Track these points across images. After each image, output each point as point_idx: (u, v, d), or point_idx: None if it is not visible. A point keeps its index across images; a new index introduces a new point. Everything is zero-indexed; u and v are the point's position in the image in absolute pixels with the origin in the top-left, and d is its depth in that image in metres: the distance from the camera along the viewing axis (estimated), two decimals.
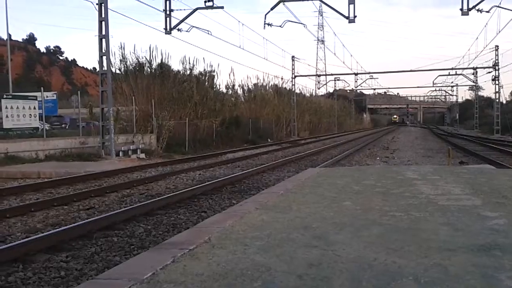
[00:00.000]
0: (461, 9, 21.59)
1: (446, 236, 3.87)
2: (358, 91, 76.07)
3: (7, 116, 17.70)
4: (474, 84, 56.07)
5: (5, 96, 18.54)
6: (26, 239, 6.08)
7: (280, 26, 26.90)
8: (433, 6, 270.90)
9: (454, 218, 4.57)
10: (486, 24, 35.15)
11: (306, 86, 73.11)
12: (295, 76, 47.18)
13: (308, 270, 3.03)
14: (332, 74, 61.13)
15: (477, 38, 70.50)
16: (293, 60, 46.66)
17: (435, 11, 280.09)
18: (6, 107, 17.71)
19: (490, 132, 45.57)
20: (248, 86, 41.55)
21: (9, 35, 40.04)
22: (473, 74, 51.10)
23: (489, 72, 46.72)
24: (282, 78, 48.03)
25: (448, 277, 2.86)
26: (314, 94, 64.05)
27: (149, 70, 27.95)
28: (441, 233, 3.98)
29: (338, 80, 62.25)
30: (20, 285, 4.67)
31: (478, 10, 21.91)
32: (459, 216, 4.66)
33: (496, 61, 44.94)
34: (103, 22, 18.89)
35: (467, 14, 21.48)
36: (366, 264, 3.14)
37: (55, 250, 5.79)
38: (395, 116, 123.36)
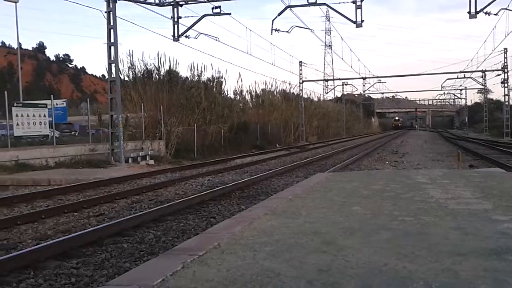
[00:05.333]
0: (469, 12, 21.46)
1: (456, 241, 3.84)
2: (366, 95, 76.06)
3: (17, 124, 17.85)
4: (483, 87, 55.68)
5: (15, 104, 18.69)
6: (37, 246, 6.13)
7: (287, 31, 26.93)
8: (437, 11, 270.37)
9: (465, 222, 4.54)
10: (495, 27, 34.99)
11: (314, 91, 73.07)
12: (303, 81, 47.21)
13: (318, 276, 3.02)
14: (340, 79, 60.94)
15: (485, 41, 70.13)
16: (300, 65, 46.71)
17: (440, 16, 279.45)
18: (17, 115, 17.86)
19: (500, 135, 45.22)
20: (256, 91, 41.59)
21: (19, 44, 40.40)
22: (481, 77, 50.71)
23: (498, 75, 46.52)
24: (289, 83, 48.17)
25: (459, 282, 2.84)
26: (322, 98, 63.98)
27: (157, 77, 28.11)
28: (452, 238, 3.95)
29: (346, 84, 62.16)
30: None
31: (486, 13, 21.78)
32: (470, 220, 4.63)
33: (505, 64, 44.76)
34: (112, 30, 19.04)
35: (475, 17, 21.35)
36: (376, 269, 3.13)
37: (66, 256, 5.83)
38: (396, 118, 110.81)
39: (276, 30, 25.96)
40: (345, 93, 68.50)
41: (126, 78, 27.35)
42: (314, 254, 3.53)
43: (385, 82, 68.40)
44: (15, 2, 29.91)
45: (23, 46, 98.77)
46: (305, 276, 3.02)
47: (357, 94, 76.48)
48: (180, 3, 21.45)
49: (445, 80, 56.79)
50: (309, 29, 30.43)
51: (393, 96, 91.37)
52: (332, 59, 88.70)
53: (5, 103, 17.28)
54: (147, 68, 27.81)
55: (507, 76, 45.07)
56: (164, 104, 24.56)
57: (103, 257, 5.86)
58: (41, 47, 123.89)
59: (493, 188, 6.93)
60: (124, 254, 5.98)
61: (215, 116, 29.05)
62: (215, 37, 24.43)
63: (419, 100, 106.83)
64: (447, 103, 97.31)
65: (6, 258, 5.48)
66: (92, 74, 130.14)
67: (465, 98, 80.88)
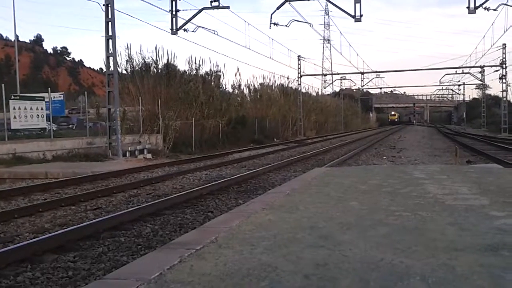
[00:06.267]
0: (468, 7, 21.47)
1: (453, 236, 3.86)
2: (365, 90, 75.90)
3: (15, 117, 17.81)
4: (481, 82, 55.77)
5: (12, 97, 18.65)
6: (34, 239, 6.13)
7: (286, 25, 26.93)
8: (436, 5, 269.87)
9: (461, 218, 4.55)
10: (494, 22, 34.93)
11: (312, 85, 72.83)
12: (301, 76, 47.16)
13: (314, 270, 3.03)
14: (338, 73, 60.99)
15: (484, 36, 70.22)
16: (299, 60, 46.65)
17: (439, 11, 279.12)
18: (14, 108, 17.82)
19: (498, 131, 45.30)
20: (254, 85, 41.56)
21: (17, 36, 40.29)
22: (480, 72, 50.83)
23: (497, 71, 46.58)
24: (288, 78, 48.05)
25: (455, 277, 2.86)
26: (320, 93, 63.95)
27: (155, 70, 28.06)
28: (448, 233, 3.97)
29: (344, 79, 62.12)
30: (29, 285, 4.71)
31: (485, 8, 21.78)
32: (466, 216, 4.64)
33: (504, 59, 44.76)
34: (110, 23, 18.97)
35: (474, 12, 21.35)
36: (373, 264, 3.14)
37: (63, 250, 5.83)
38: (393, 113, 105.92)
39: (275, 24, 25.97)
40: (344, 88, 68.53)
41: (124, 72, 27.32)
42: (311, 249, 3.54)
43: (384, 77, 68.16)
44: None
45: (21, 39, 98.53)
46: (302, 270, 3.03)
47: (356, 89, 76.44)
48: None
49: (444, 76, 57.05)
50: (308, 23, 30.47)
51: (391, 91, 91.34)
52: (330, 54, 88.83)
53: (2, 96, 17.23)
54: (145, 61, 27.79)
55: (506, 71, 45.15)
56: (162, 97, 24.51)
57: (100, 250, 5.86)
58: (38, 40, 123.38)
59: (490, 184, 6.95)
60: (122, 248, 5.98)
61: (213, 110, 29.02)
62: (214, 30, 24.44)
63: (418, 95, 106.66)
64: (445, 98, 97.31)
65: (4, 251, 5.48)
66: (90, 67, 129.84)
67: (463, 94, 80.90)
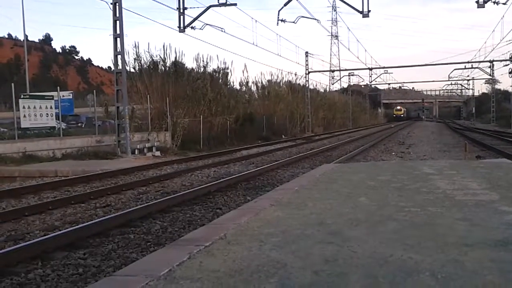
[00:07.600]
0: (477, 2, 21.27)
1: (463, 232, 3.84)
2: (373, 86, 75.67)
3: (24, 116, 17.94)
4: (491, 77, 55.28)
5: (22, 96, 18.79)
6: (45, 237, 6.18)
7: (293, 22, 26.91)
8: (444, 0, 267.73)
9: (471, 213, 4.52)
10: (503, 16, 34.61)
11: (320, 81, 72.98)
12: (309, 72, 47.03)
13: (324, 266, 3.03)
14: (346, 69, 60.77)
15: (493, 30, 69.66)
16: (306, 56, 46.50)
17: (447, 5, 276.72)
18: (24, 107, 17.95)
19: (507, 125, 44.87)
20: (262, 82, 41.46)
21: (26, 36, 40.54)
22: (489, 67, 50.36)
23: (506, 65, 46.11)
24: (295, 74, 47.82)
25: (465, 273, 2.84)
26: (328, 89, 63.74)
27: (163, 68, 28.10)
28: (458, 229, 3.94)
29: (352, 75, 61.94)
30: (40, 282, 4.75)
31: (494, 2, 21.60)
32: (476, 211, 4.62)
33: None
34: (118, 22, 19.02)
35: (483, 7, 21.18)
36: (382, 260, 3.13)
37: (73, 247, 5.87)
38: (398, 108, 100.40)
39: (282, 20, 25.96)
40: (352, 84, 68.23)
41: (132, 70, 27.41)
42: (320, 245, 3.53)
43: (392, 73, 68.11)
44: None
45: (30, 38, 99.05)
46: (312, 266, 3.03)
47: (364, 85, 76.10)
48: None
49: (453, 71, 56.62)
50: (315, 19, 30.45)
51: (400, 87, 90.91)
52: (338, 50, 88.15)
53: (12, 95, 17.36)
54: (153, 59, 27.83)
55: None
56: (170, 95, 24.56)
57: (110, 247, 5.90)
58: (47, 39, 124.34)
59: (500, 179, 6.90)
60: (131, 245, 6.01)
61: (221, 108, 29.04)
62: (221, 28, 24.44)
63: (426, 90, 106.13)
64: (454, 93, 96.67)
65: (15, 249, 5.53)
66: (98, 66, 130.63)
67: (472, 89, 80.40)
